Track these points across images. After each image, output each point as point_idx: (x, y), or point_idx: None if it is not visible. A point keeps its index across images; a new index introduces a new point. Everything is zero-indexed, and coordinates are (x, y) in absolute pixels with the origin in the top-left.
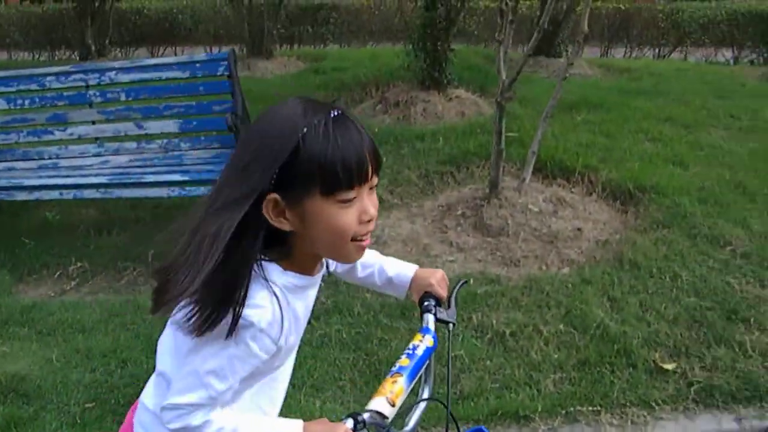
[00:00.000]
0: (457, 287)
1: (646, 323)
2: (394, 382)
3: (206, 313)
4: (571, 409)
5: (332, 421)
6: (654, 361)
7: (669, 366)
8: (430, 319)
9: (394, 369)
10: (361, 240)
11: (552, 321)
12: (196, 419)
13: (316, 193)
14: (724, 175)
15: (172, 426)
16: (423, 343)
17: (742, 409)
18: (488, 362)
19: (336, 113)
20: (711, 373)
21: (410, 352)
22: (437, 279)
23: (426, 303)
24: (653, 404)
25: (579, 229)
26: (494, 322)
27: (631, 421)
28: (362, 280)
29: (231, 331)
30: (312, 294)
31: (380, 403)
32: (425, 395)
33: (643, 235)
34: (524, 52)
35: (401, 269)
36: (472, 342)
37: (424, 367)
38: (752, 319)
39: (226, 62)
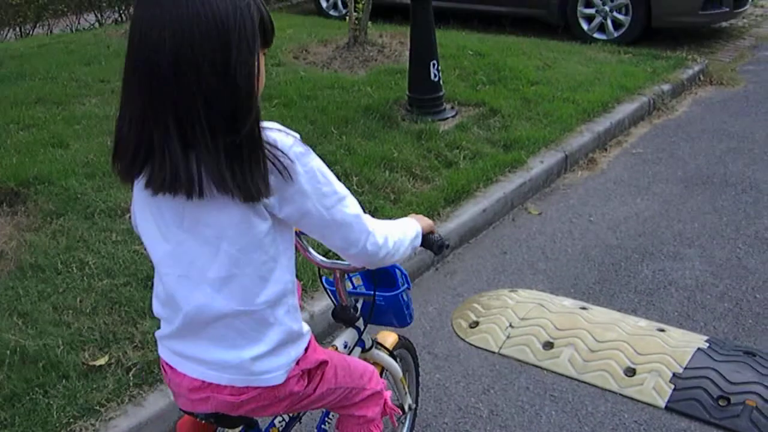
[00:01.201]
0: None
1: (66, 326)
2: None
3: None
4: None
5: None
6: (84, 362)
7: (101, 361)
8: None
9: None
10: None
11: None
12: (371, 232)
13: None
14: (105, 143)
15: (372, 253)
16: None
17: None
18: None
19: None
20: (145, 350)
21: None
22: None
23: None
24: (98, 408)
25: None
26: None
27: None
28: None
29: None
30: None
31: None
32: None
33: (39, 233)
34: None
35: None
36: None
37: None
38: None
39: None
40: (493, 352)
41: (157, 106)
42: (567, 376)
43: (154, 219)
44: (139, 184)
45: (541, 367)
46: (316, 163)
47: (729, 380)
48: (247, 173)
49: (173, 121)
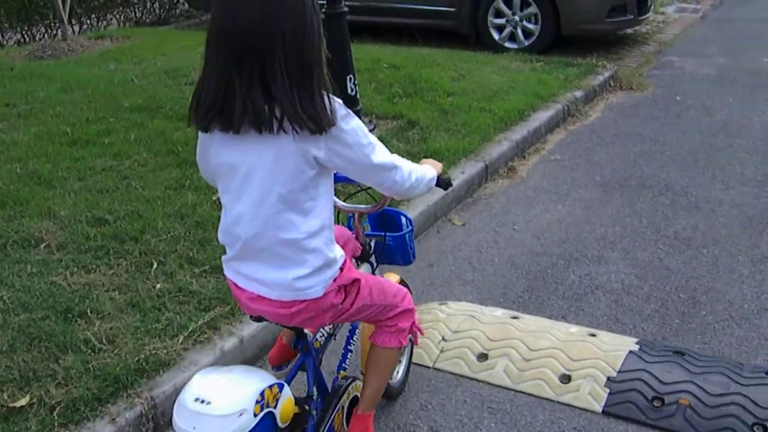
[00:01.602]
0: None
1: None
2: None
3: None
4: None
5: None
6: (3, 404)
7: (22, 401)
8: None
9: None
10: None
11: None
12: (399, 167)
13: None
14: (15, 170)
15: (400, 183)
16: None
17: (116, 409)
18: None
19: None
20: (69, 387)
21: None
22: None
23: None
24: None
25: None
26: None
27: None
28: None
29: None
30: None
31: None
32: None
33: None
34: None
35: None
36: None
37: None
38: (89, 310)
39: None
40: (428, 367)
41: (243, 63)
42: (503, 387)
43: (220, 166)
44: (213, 133)
45: (477, 380)
46: (356, 122)
47: (662, 381)
48: (318, 110)
49: (258, 75)
